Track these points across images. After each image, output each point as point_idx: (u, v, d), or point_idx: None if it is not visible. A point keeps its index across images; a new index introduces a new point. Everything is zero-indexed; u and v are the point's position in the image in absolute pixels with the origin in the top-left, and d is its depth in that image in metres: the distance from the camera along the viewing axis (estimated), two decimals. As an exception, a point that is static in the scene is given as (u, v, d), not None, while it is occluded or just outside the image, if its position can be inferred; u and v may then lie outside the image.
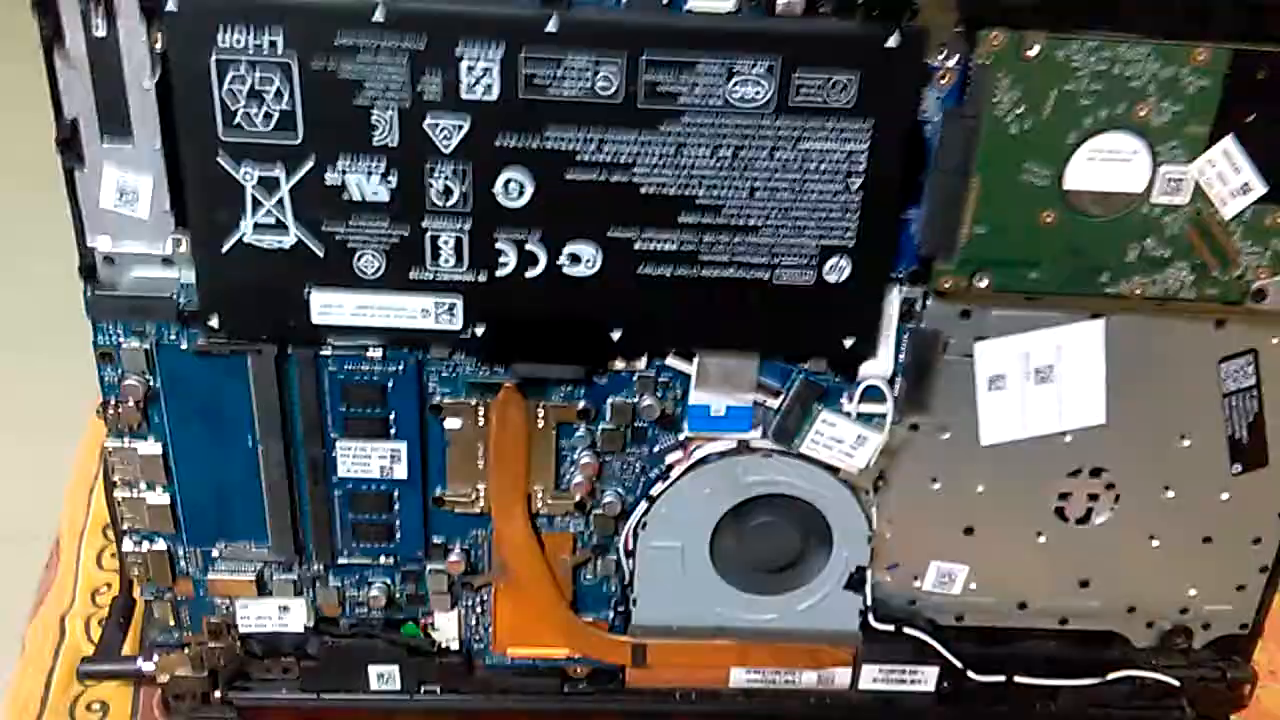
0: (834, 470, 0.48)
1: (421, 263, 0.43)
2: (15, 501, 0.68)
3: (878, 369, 0.46)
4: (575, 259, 0.43)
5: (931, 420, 0.47)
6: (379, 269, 0.43)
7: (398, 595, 0.52)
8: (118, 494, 0.49)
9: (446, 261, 0.43)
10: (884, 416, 0.47)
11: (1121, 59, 0.41)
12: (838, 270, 0.43)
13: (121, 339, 0.45)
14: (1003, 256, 0.44)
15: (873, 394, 0.46)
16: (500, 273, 0.43)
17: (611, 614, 0.52)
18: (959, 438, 0.48)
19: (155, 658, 0.52)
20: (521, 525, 0.50)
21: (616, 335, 0.44)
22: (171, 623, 0.52)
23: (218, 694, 0.53)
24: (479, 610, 0.52)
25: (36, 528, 0.65)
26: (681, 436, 0.48)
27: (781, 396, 0.47)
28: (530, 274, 0.43)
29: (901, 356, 0.46)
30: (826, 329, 0.45)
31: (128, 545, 0.50)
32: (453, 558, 0.50)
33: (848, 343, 0.45)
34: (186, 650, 0.52)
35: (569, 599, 0.52)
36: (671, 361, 0.46)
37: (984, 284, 0.44)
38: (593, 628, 0.52)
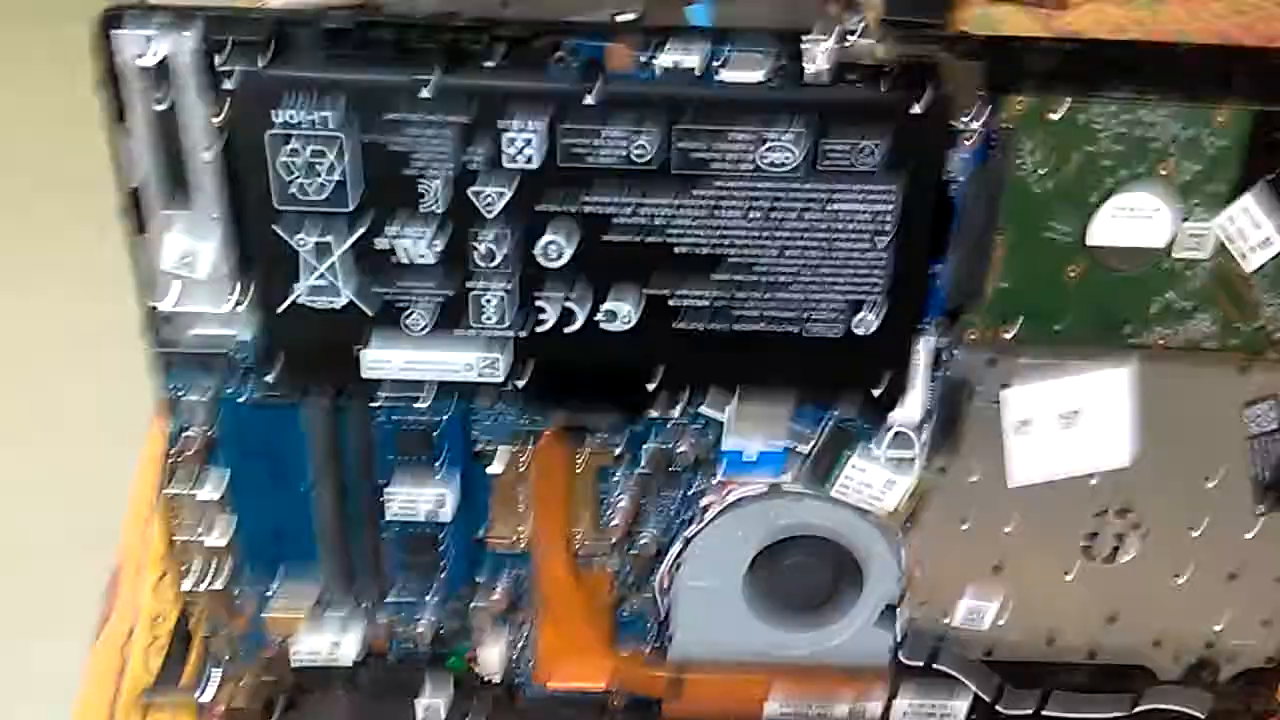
0: (864, 512, 0.50)
1: (467, 320, 0.45)
2: (75, 507, 0.70)
3: (906, 415, 0.47)
4: (612, 315, 0.45)
5: (960, 463, 0.49)
6: (426, 326, 0.45)
7: (443, 630, 0.54)
8: (178, 537, 0.51)
9: (490, 318, 0.45)
10: (913, 460, 0.48)
11: (1143, 120, 0.42)
12: (866, 323, 0.45)
13: (183, 391, 0.47)
14: (1028, 308, 0.45)
15: (902, 439, 0.48)
16: (541, 328, 0.45)
17: (649, 648, 0.54)
18: (987, 480, 0.49)
19: (214, 688, 0.55)
20: (562, 563, 0.52)
21: (652, 385, 0.46)
22: (228, 656, 0.54)
23: (271, 723, 0.55)
24: (521, 644, 0.54)
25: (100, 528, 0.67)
26: (716, 480, 0.50)
27: (812, 442, 0.48)
28: (569, 329, 0.45)
29: (930, 403, 0.47)
30: (856, 378, 0.46)
31: (187, 584, 0.52)
32: (496, 595, 0.52)
33: (876, 391, 0.46)
34: (243, 682, 0.54)
35: (608, 633, 0.54)
36: (706, 409, 0.48)
37: (1010, 334, 0.45)
38: (631, 661, 0.54)
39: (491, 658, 0.54)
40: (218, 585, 0.52)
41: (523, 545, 0.51)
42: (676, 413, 0.48)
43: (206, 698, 0.55)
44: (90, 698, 0.59)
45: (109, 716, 0.58)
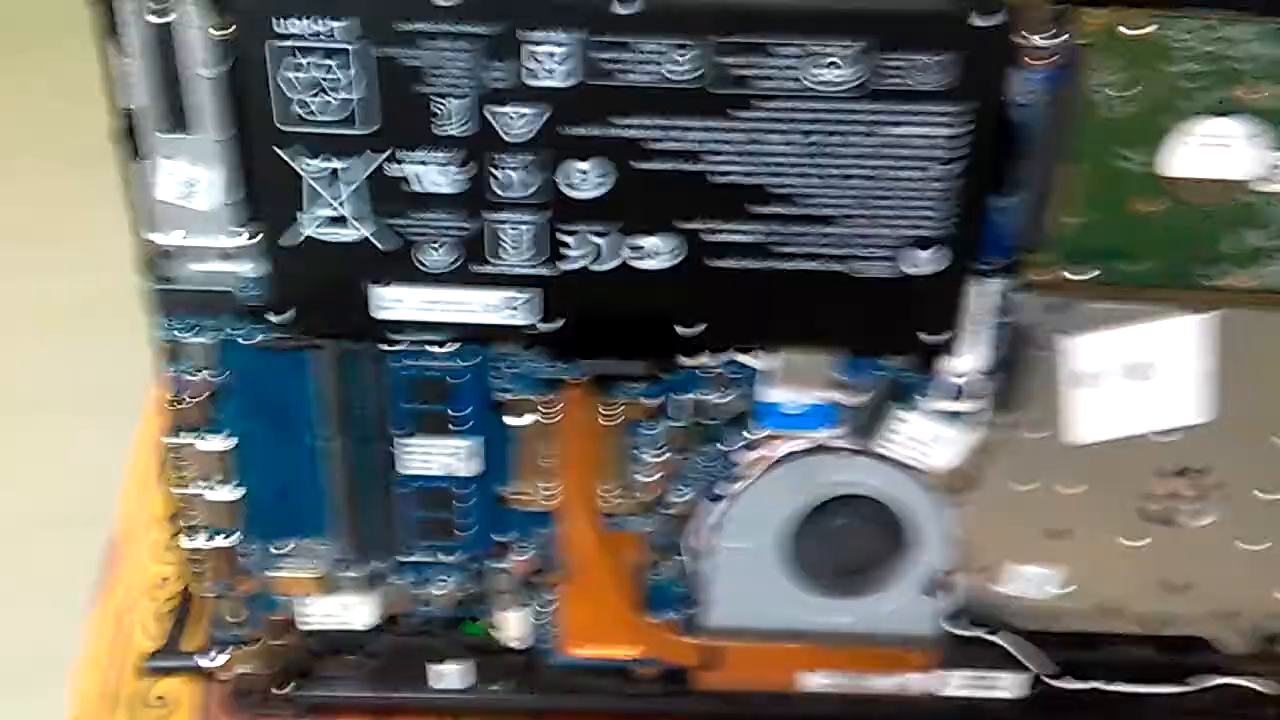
0: (915, 471, 0.46)
1: (488, 257, 0.41)
2: (74, 485, 0.68)
3: (962, 365, 0.44)
4: (645, 252, 0.41)
5: (1019, 419, 0.45)
6: (444, 263, 0.41)
7: (463, 594, 0.50)
8: (179, 490, 0.48)
9: (513, 255, 0.41)
10: (969, 415, 0.45)
11: (1227, 40, 0.38)
12: (921, 262, 0.41)
13: (183, 334, 0.44)
14: (1098, 247, 0.41)
15: (957, 392, 0.44)
16: (568, 267, 0.41)
17: (680, 615, 0.51)
18: (1048, 437, 0.45)
19: (220, 654, 0.52)
20: (589, 524, 0.48)
21: (687, 331, 0.43)
22: (235, 619, 0.51)
23: (284, 690, 0.52)
24: (545, 609, 0.51)
25: (94, 512, 0.65)
26: (754, 435, 0.46)
27: (860, 394, 0.45)
28: (598, 268, 0.41)
29: (989, 353, 0.44)
30: (909, 323, 0.42)
31: (190, 542, 0.49)
32: (518, 557, 0.49)
33: (930, 338, 0.43)
34: (250, 647, 0.52)
35: (637, 600, 0.50)
36: (746, 358, 0.44)
37: (1078, 276, 0.42)
38: (662, 629, 0.51)
39: (513, 624, 0.51)
40: (223, 544, 0.49)
41: (547, 504, 0.48)
42: (714, 361, 0.45)
43: (213, 664, 0.52)
44: (90, 668, 0.56)
45: (111, 686, 0.55)
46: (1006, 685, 0.51)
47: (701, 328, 0.43)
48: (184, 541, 0.49)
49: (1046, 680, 0.51)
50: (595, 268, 0.41)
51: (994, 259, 0.42)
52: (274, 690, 0.52)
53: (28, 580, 0.63)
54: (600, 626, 0.51)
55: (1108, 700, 0.51)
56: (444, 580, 0.50)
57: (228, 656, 0.51)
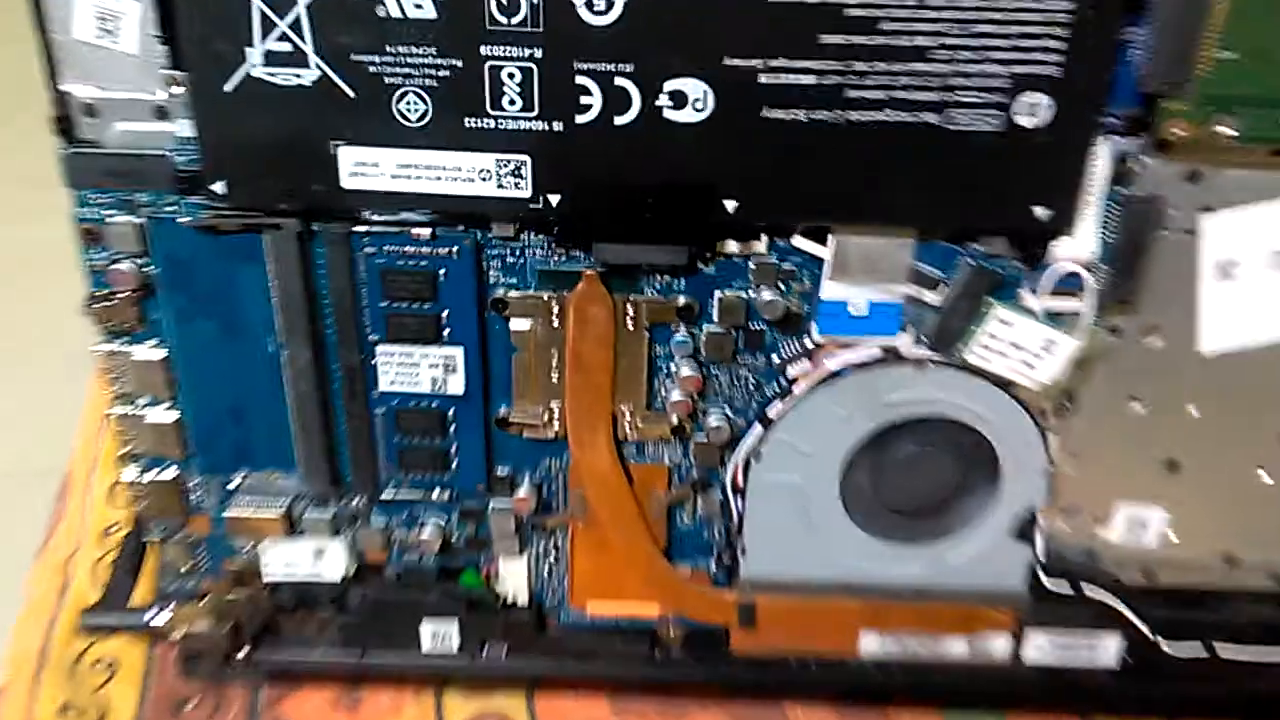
0: (1007, 386, 0.38)
1: (480, 107, 0.33)
2: (27, 436, 0.60)
3: (1075, 251, 0.35)
4: (679, 100, 0.32)
5: (1139, 321, 0.37)
6: (425, 115, 0.33)
7: (454, 538, 0.42)
8: (113, 411, 0.40)
9: (512, 104, 0.33)
10: (1079, 315, 0.36)
11: None
12: (1034, 110, 0.32)
13: (108, 212, 0.36)
14: (1254, 93, 0.33)
15: (1066, 285, 0.36)
16: (582, 119, 0.33)
17: (714, 565, 0.42)
18: (1172, 344, 0.37)
19: (168, 609, 0.43)
20: (605, 454, 0.40)
21: (731, 205, 0.34)
22: (185, 568, 0.43)
23: (242, 652, 0.44)
24: (552, 557, 0.43)
25: (50, 464, 0.57)
26: (809, 342, 0.38)
27: (943, 288, 0.36)
28: (620, 121, 0.33)
29: (1106, 234, 0.35)
30: (1011, 193, 0.34)
31: (129, 474, 0.41)
32: (520, 493, 0.41)
33: (1039, 212, 0.34)
34: (204, 601, 0.43)
35: (662, 545, 0.42)
36: (800, 242, 0.36)
37: (1226, 130, 0.33)
38: (691, 581, 0.43)
39: (515, 574, 0.43)
40: (165, 476, 0.41)
41: (555, 429, 0.40)
42: (761, 247, 0.36)
43: (158, 621, 0.43)
44: (28, 625, 0.48)
45: (46, 640, 0.47)
46: (1103, 650, 0.43)
47: (748, 200, 0.34)
48: (123, 475, 0.41)
49: (1150, 644, 0.42)
50: (616, 119, 0.33)
51: (1120, 108, 0.33)
52: (231, 653, 0.44)
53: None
54: (618, 578, 0.43)
55: (1222, 668, 0.43)
56: (431, 522, 0.42)
57: (175, 613, 0.43)
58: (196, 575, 0.44)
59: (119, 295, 0.37)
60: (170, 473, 0.41)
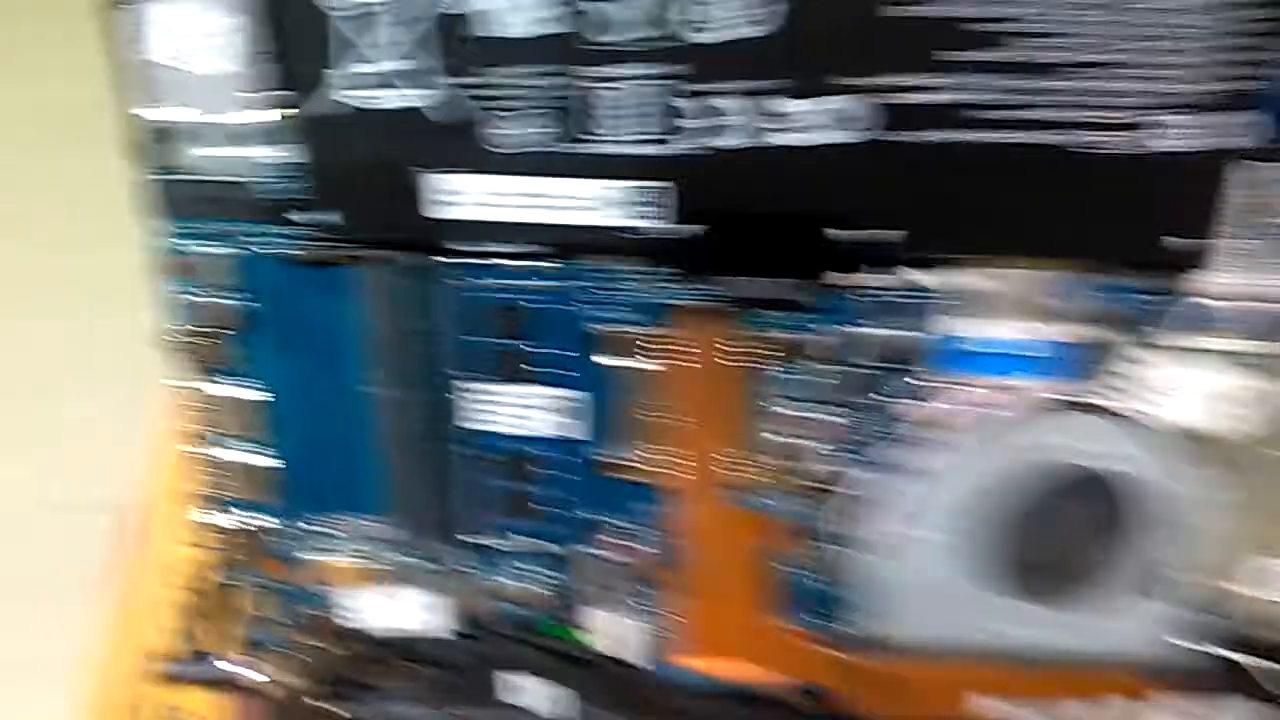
0: (1150, 431, 0.34)
1: (613, 131, 0.30)
2: (87, 465, 0.59)
3: (1221, 284, 0.31)
4: (790, 121, 0.30)
5: (1313, 360, 0.33)
6: (550, 140, 0.30)
7: (553, 589, 0.40)
8: (194, 450, 0.38)
9: (619, 126, 0.30)
10: (1229, 354, 0.32)
11: None
12: (1174, 132, 0.29)
13: (200, 243, 0.34)
14: None
15: (1212, 321, 0.32)
16: (708, 143, 0.30)
17: (833, 624, 0.39)
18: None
19: (249, 660, 0.41)
20: (715, 500, 0.37)
21: (857, 234, 0.31)
22: (267, 616, 0.41)
23: (325, 705, 0.42)
24: (653, 611, 0.40)
25: (109, 494, 0.56)
26: (931, 383, 0.34)
27: (1078, 325, 0.33)
28: (735, 143, 0.30)
29: (1256, 267, 0.31)
30: (1149, 223, 0.30)
31: (210, 517, 0.39)
32: (619, 541, 0.38)
33: (1179, 243, 0.30)
34: (289, 652, 0.41)
35: (775, 601, 0.39)
36: (917, 274, 0.33)
37: None
38: (805, 641, 0.39)
39: (613, 628, 0.40)
40: (251, 520, 0.39)
41: (658, 474, 0.37)
42: (879, 280, 0.33)
43: (240, 671, 0.42)
44: (92, 668, 0.47)
45: (116, 693, 0.45)
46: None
47: (866, 231, 0.31)
48: (203, 518, 0.39)
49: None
50: (734, 143, 0.30)
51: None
52: (314, 705, 0.42)
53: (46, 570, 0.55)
54: (725, 636, 0.39)
55: None
56: (523, 570, 0.39)
57: (258, 662, 0.41)
58: (277, 624, 0.42)
59: (208, 330, 0.35)
60: (256, 516, 0.39)
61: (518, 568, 0.39)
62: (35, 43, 0.99)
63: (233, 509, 0.39)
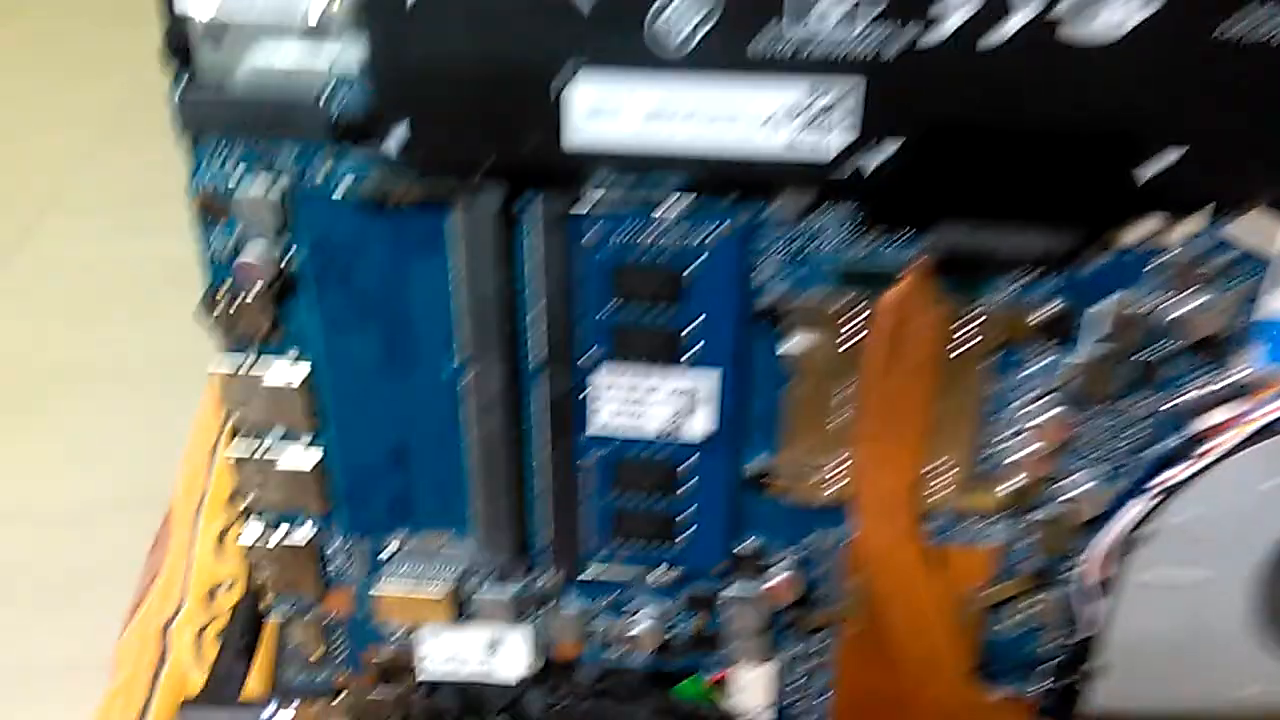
0: None
1: (779, 22, 0.22)
2: (124, 468, 0.52)
3: None
4: (1082, 8, 0.21)
5: None
6: (696, 33, 0.22)
7: (675, 632, 0.31)
8: (232, 450, 0.30)
9: (827, 19, 0.21)
10: None
11: None
12: None
13: (237, 175, 0.26)
14: None
15: None
16: (931, 37, 0.21)
17: (1049, 687, 0.30)
18: None
19: (291, 707, 0.33)
20: (905, 528, 0.28)
21: (1157, 165, 0.22)
22: (316, 655, 0.33)
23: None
24: (811, 666, 0.31)
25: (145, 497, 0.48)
26: (1238, 380, 0.26)
27: None
28: (986, 40, 0.21)
29: None
30: None
31: (251, 532, 0.31)
32: (775, 577, 0.29)
33: None
34: (339, 700, 0.33)
35: (971, 659, 0.30)
36: (1245, 229, 0.24)
37: None
38: (1008, 710, 0.31)
39: (756, 686, 0.32)
40: (298, 536, 0.31)
41: (833, 491, 0.28)
42: (1187, 229, 0.24)
43: (279, 718, 0.33)
44: (117, 700, 0.39)
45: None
46: None
47: (1194, 156, 0.22)
48: (243, 533, 0.31)
49: None
50: (980, 40, 0.21)
51: None
52: (372, 768, 0.33)
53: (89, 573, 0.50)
54: (902, 700, 0.31)
55: None
56: (646, 610, 0.31)
57: (300, 713, 0.33)
58: (330, 665, 0.33)
59: (247, 292, 0.27)
60: (304, 532, 0.31)
61: (639, 605, 0.31)
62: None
63: (276, 522, 0.31)
